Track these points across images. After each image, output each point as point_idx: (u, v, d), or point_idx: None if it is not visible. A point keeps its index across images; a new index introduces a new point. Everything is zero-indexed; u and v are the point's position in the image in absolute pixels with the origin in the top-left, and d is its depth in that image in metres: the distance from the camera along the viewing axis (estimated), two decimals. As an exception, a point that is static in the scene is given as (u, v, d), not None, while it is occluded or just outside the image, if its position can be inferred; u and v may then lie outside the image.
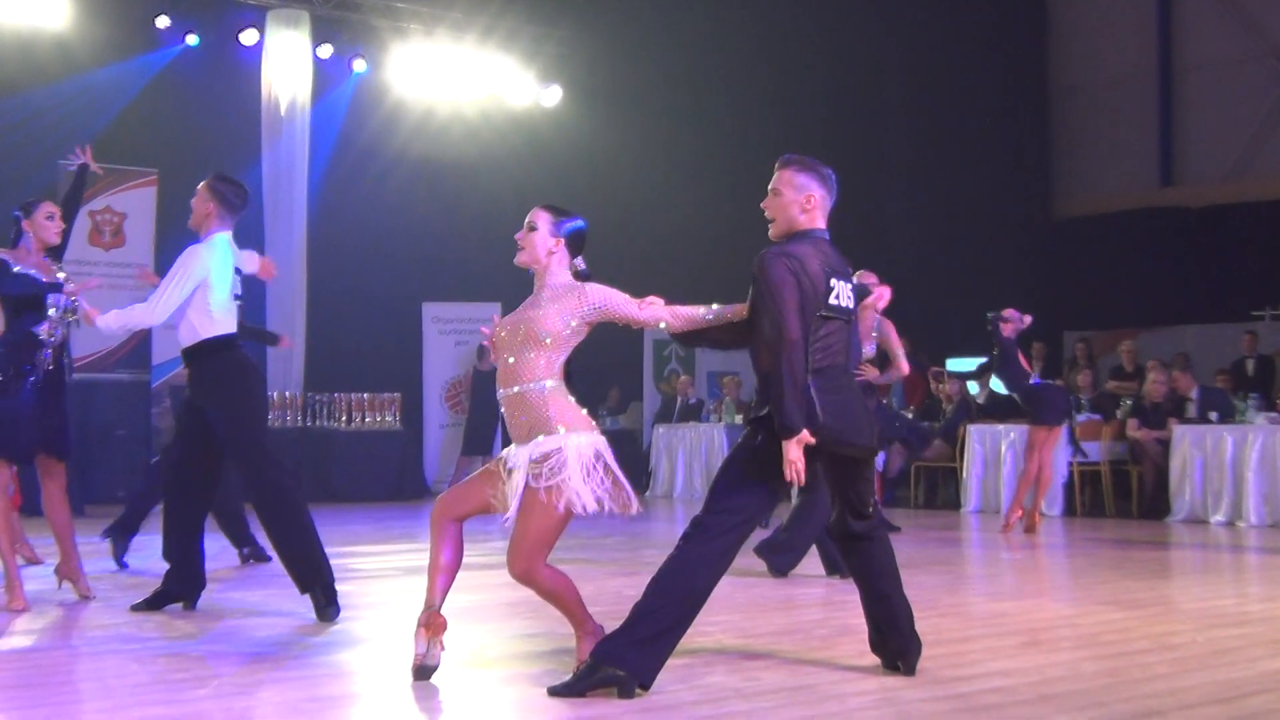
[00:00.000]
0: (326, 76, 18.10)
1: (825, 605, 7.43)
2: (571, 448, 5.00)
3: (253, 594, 7.70)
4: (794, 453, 4.89)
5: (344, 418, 16.51)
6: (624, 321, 5.29)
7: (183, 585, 7.16)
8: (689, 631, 5.38)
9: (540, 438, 5.02)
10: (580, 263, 5.33)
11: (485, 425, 17.57)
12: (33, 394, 7.23)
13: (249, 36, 17.29)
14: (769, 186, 5.36)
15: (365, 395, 16.58)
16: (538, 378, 5.09)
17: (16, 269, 7.32)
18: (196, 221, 7.25)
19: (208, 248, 7.11)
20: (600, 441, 5.11)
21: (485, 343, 5.39)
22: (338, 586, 6.82)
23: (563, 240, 5.25)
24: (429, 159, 18.53)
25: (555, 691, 4.82)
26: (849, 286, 5.32)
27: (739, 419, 17.60)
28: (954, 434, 14.96)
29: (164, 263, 16.89)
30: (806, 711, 4.63)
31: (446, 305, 17.84)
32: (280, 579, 7.25)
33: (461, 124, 18.91)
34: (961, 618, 6.97)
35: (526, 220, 5.28)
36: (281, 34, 17.49)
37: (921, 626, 6.54)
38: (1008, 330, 11.65)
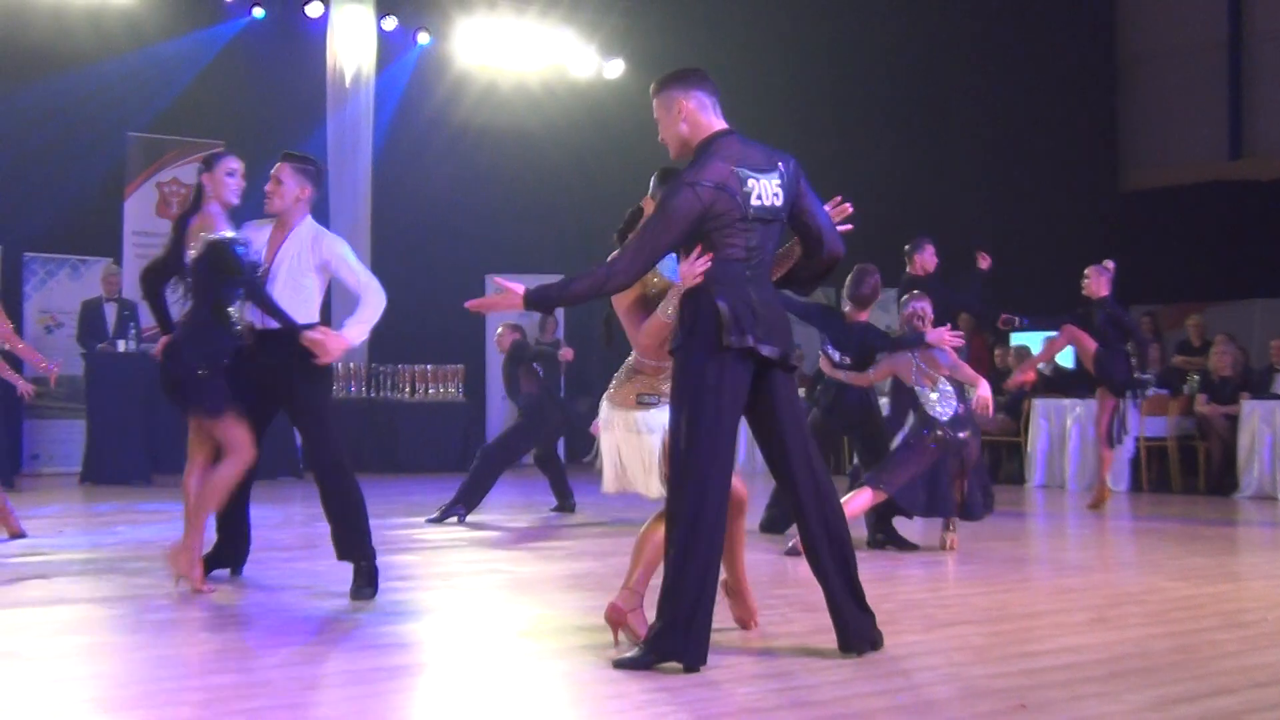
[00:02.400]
0: (391, 49, 18.13)
1: (888, 580, 7.39)
2: None
3: (318, 564, 7.73)
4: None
5: (408, 389, 16.57)
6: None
7: (231, 551, 7.21)
8: (755, 605, 5.38)
9: None
10: None
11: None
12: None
13: (314, 9, 17.32)
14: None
15: (429, 367, 16.64)
16: None
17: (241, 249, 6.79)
18: (285, 204, 6.92)
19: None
20: None
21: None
22: (405, 557, 6.84)
23: None
24: (492, 131, 18.52)
25: (621, 664, 4.82)
26: (774, 181, 5.12)
27: (801, 392, 17.56)
28: (1017, 408, 14.84)
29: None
30: (873, 686, 4.60)
31: (510, 277, 17.82)
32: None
33: (524, 96, 18.89)
34: (1028, 593, 6.91)
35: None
36: (346, 6, 17.52)
37: (987, 602, 6.54)
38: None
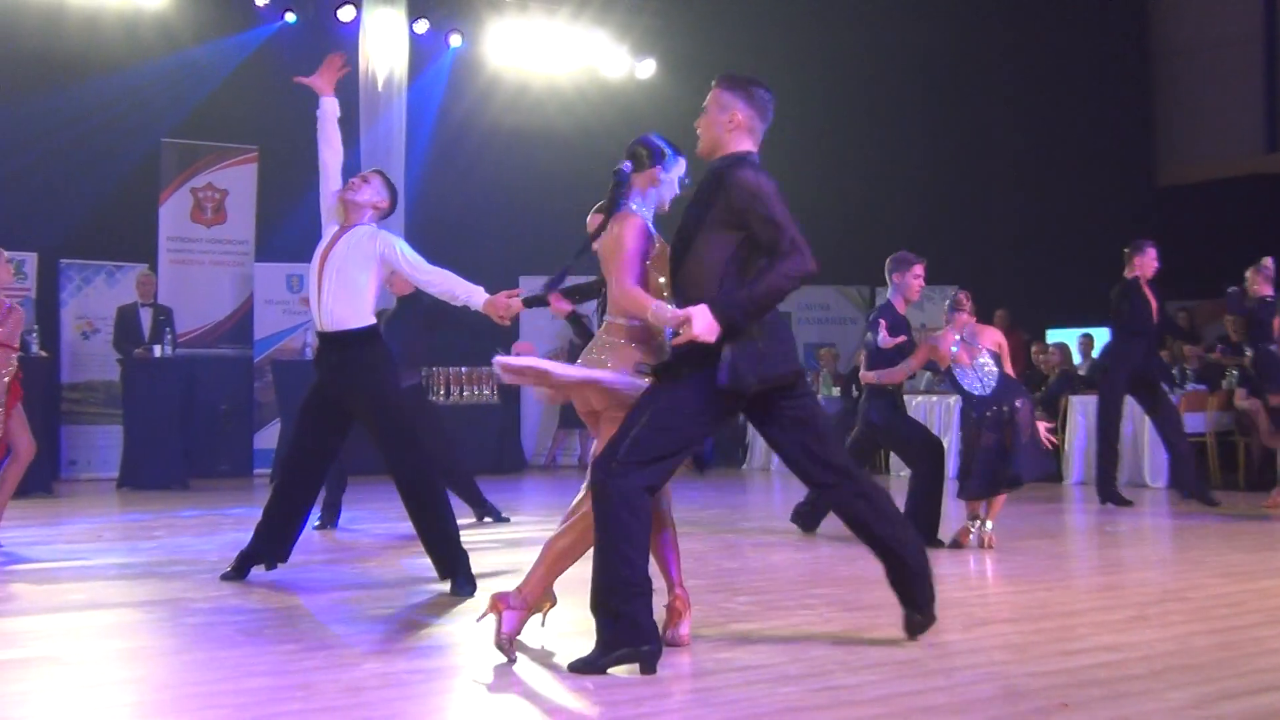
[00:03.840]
0: (423, 52, 18.15)
1: (928, 578, 7.35)
2: None
3: (355, 567, 7.74)
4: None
5: (442, 392, 16.59)
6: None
7: (268, 547, 7.25)
8: (791, 604, 5.36)
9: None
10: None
11: (583, 398, 17.60)
12: None
13: (346, 13, 17.36)
14: (704, 103, 5.22)
15: (464, 369, 16.65)
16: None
17: None
18: (361, 200, 7.10)
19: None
20: None
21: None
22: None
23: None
24: (525, 132, 18.52)
25: (576, 667, 4.79)
26: None
27: (835, 391, 17.51)
28: (1055, 405, 14.75)
29: (264, 239, 17.19)
30: (913, 685, 4.57)
31: (544, 278, 17.81)
32: (387, 552, 7.29)
33: (556, 97, 18.90)
34: (1068, 591, 6.86)
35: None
36: (379, 10, 17.55)
37: (1027, 600, 6.49)
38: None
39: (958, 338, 8.64)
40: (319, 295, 6.97)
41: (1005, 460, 8.41)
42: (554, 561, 5.24)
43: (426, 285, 7.00)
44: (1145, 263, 11.37)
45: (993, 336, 8.74)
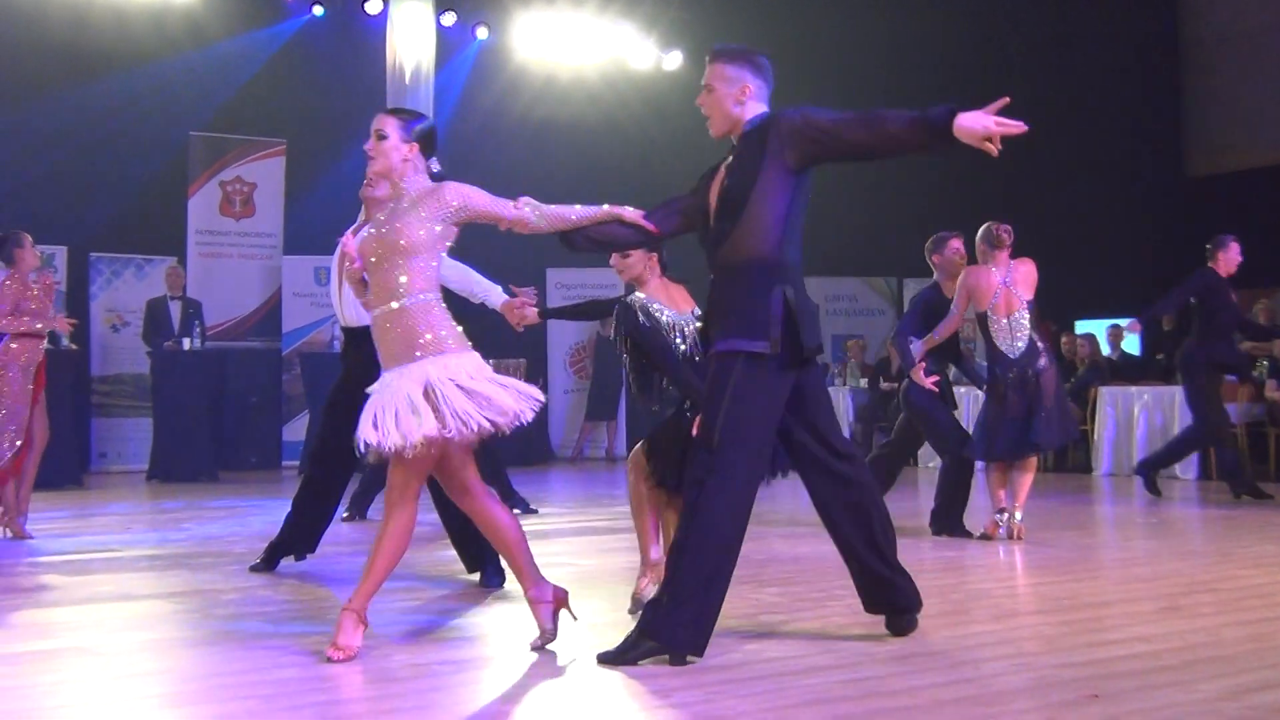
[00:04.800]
0: (450, 44, 18.16)
1: (956, 570, 7.33)
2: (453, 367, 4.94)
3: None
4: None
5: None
6: (489, 220, 5.14)
7: (298, 537, 7.30)
8: (821, 595, 5.34)
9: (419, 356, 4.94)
10: (435, 164, 5.15)
11: (610, 390, 17.63)
12: None
13: (374, 6, 17.37)
14: (702, 83, 5.13)
15: (491, 361, 16.54)
16: (415, 290, 4.98)
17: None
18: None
19: None
20: (477, 359, 5.07)
21: (354, 266, 5.09)
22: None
23: (415, 145, 5.07)
24: (552, 124, 18.51)
25: (605, 659, 4.77)
26: None
27: (863, 382, 17.48)
28: (1084, 395, 14.69)
29: (292, 232, 17.24)
30: (942, 677, 4.55)
31: (570, 271, 17.81)
32: (416, 543, 7.27)
33: (583, 89, 18.88)
34: (1097, 582, 6.82)
35: (374, 130, 5.07)
36: (405, 3, 17.54)
37: (1056, 591, 6.46)
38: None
39: (1002, 281, 8.54)
40: (340, 291, 7.00)
41: (1028, 425, 8.39)
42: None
43: (444, 280, 6.95)
44: (1229, 258, 11.27)
45: (1029, 277, 8.63)
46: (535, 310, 6.57)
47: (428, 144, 5.14)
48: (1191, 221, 18.57)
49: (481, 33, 18.25)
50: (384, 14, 17.43)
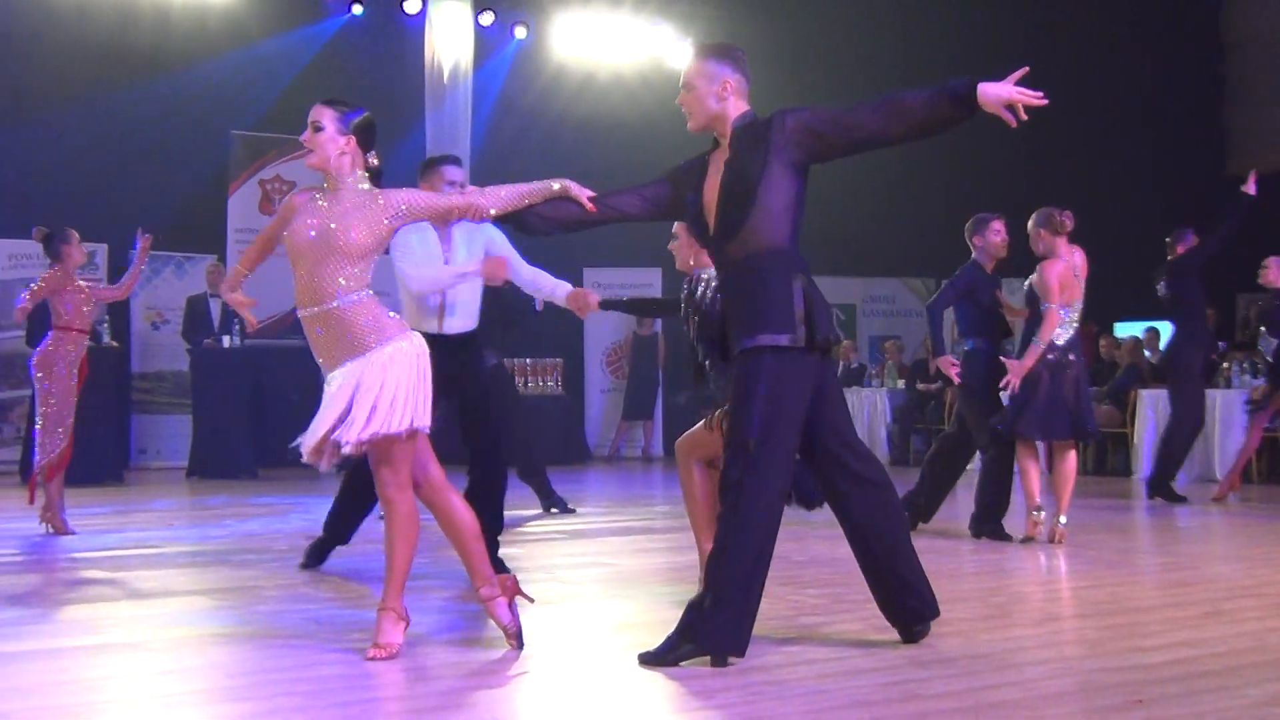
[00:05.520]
0: (488, 43, 18.20)
1: (997, 573, 7.30)
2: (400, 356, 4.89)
3: (420, 558, 7.75)
4: None
5: (508, 383, 16.64)
6: (438, 215, 5.13)
7: (341, 530, 7.31)
8: (861, 598, 5.32)
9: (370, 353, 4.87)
10: (374, 158, 5.08)
11: (646, 390, 17.63)
12: None
13: (412, 5, 17.44)
14: (681, 82, 5.14)
15: (528, 361, 16.69)
16: (351, 290, 4.90)
17: None
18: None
19: None
20: (422, 345, 4.98)
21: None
22: (508, 550, 6.87)
23: (353, 137, 4.99)
24: (589, 123, 18.52)
25: (645, 660, 4.76)
26: None
27: (900, 383, 17.43)
28: (1123, 398, 14.61)
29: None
30: (984, 681, 4.53)
31: (607, 270, 17.81)
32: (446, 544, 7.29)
33: (620, 88, 18.88)
34: (1139, 586, 6.78)
35: (310, 120, 4.97)
36: (445, 3, 17.61)
37: (1098, 596, 6.43)
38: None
39: (1075, 274, 8.58)
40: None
41: (1055, 412, 8.40)
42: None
43: (517, 279, 6.99)
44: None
45: (1085, 265, 8.68)
46: (597, 299, 6.61)
47: (366, 137, 5.04)
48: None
49: (520, 32, 18.29)
50: (423, 13, 17.50)
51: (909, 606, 5.14)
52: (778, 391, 4.81)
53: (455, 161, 6.93)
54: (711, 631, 4.70)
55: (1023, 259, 9.23)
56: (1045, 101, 4.60)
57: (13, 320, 14.83)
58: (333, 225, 4.91)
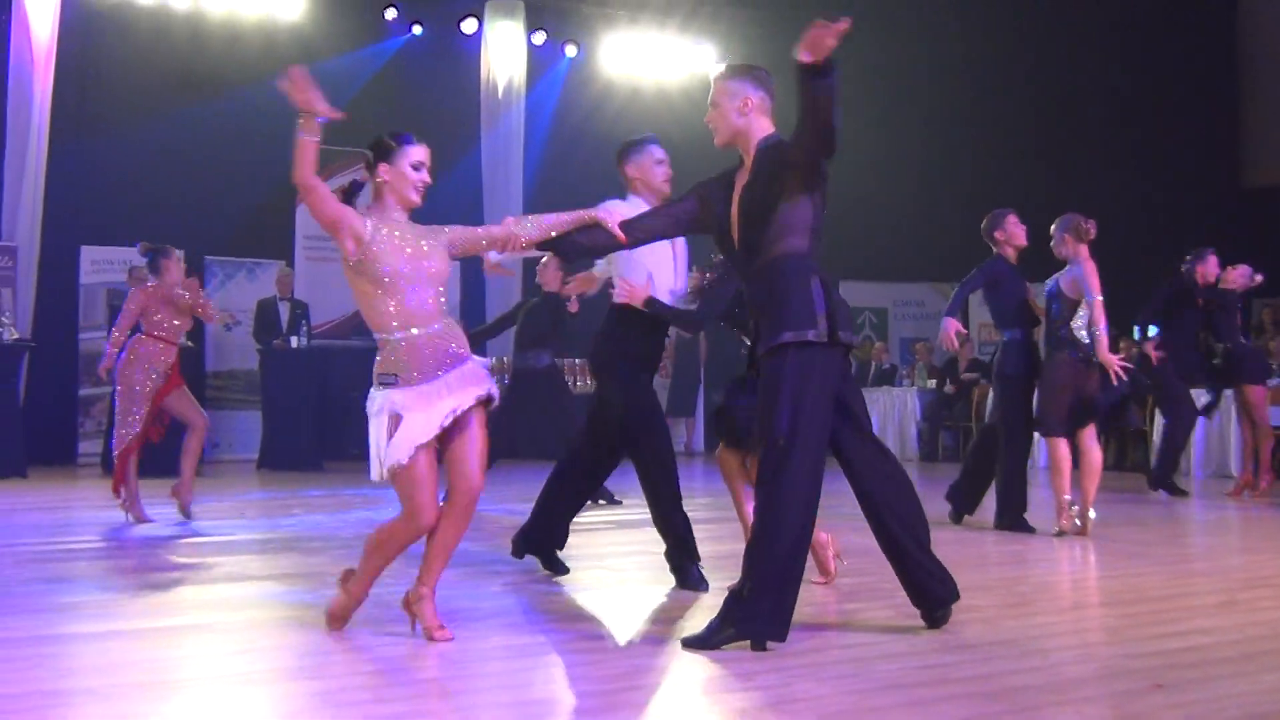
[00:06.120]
0: (540, 61, 18.26)
1: (1021, 563, 7.27)
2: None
3: (477, 545, 7.77)
4: None
5: (559, 381, 16.65)
6: (478, 246, 5.19)
7: (546, 538, 6.70)
8: (894, 586, 5.30)
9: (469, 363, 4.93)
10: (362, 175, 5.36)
11: (688, 387, 17.64)
12: None
13: (469, 25, 17.55)
14: (709, 100, 5.14)
15: (576, 360, 16.70)
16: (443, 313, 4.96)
17: None
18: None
19: None
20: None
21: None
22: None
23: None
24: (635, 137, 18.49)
25: (688, 643, 4.75)
26: None
27: (931, 383, 17.37)
28: (1142, 398, 14.50)
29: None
30: (1011, 665, 4.51)
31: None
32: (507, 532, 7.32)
33: (666, 105, 18.88)
34: (1158, 577, 6.73)
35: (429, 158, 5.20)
36: (499, 23, 17.69)
37: (1118, 585, 6.40)
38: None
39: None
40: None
41: (1083, 405, 8.39)
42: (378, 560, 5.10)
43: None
44: (1208, 270, 11.48)
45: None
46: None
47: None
48: (1248, 231, 18.30)
49: (570, 50, 18.34)
50: (479, 33, 17.60)
51: (932, 590, 5.13)
52: (803, 388, 4.79)
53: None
54: (752, 618, 4.70)
55: (1041, 261, 9.20)
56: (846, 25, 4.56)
57: (94, 322, 15.09)
58: (425, 249, 4.98)
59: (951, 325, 8.53)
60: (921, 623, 5.16)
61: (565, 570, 6.59)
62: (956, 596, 5.17)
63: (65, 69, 15.16)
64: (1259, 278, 11.50)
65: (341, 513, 9.85)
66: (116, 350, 9.21)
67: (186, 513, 9.17)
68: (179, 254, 9.41)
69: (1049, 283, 8.82)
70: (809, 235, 4.92)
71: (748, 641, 4.68)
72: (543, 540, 6.61)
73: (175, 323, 9.26)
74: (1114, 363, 8.27)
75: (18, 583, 6.32)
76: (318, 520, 9.33)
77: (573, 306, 8.85)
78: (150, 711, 3.88)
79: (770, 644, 4.69)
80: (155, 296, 9.18)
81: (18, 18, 14.73)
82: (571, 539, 6.78)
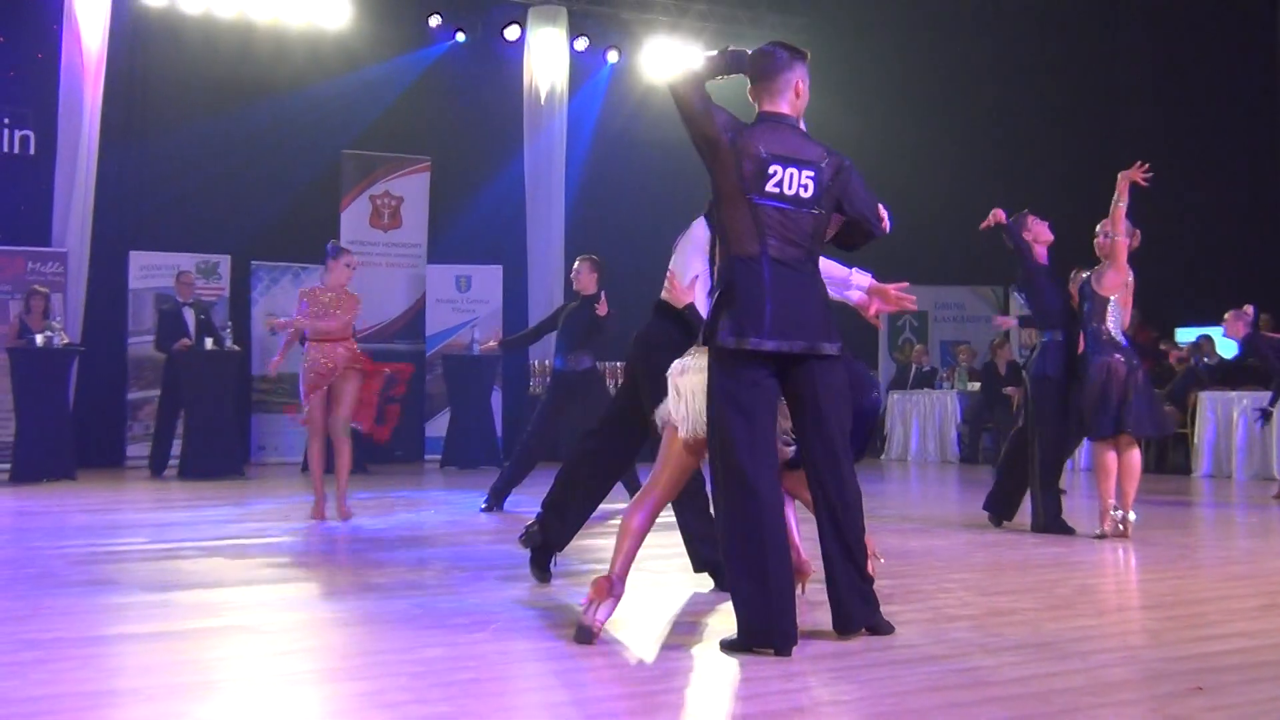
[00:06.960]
0: (583, 67, 18.26)
1: (1061, 565, 7.20)
2: None
3: (503, 546, 7.77)
4: None
5: (603, 386, 16.66)
6: None
7: (558, 535, 6.64)
8: (930, 588, 5.26)
9: None
10: None
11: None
12: None
13: (512, 32, 17.56)
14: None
15: (618, 364, 16.68)
16: None
17: None
18: None
19: None
20: None
21: None
22: (601, 540, 6.83)
23: None
24: (679, 144, 18.43)
25: (726, 645, 4.69)
26: (803, 174, 5.09)
27: (970, 385, 17.27)
28: (1183, 399, 14.39)
29: (436, 242, 17.49)
30: (1051, 668, 4.47)
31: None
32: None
33: (706, 110, 18.84)
34: (1199, 580, 6.66)
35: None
36: (542, 29, 17.70)
37: (1159, 588, 6.33)
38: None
39: (1128, 280, 8.52)
40: None
41: (1124, 410, 8.31)
42: (632, 543, 5.16)
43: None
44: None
45: (1133, 283, 8.64)
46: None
47: None
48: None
49: (612, 56, 18.34)
50: (521, 39, 17.61)
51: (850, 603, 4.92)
52: (715, 394, 4.85)
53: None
54: (747, 627, 4.67)
55: (1074, 256, 9.16)
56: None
57: (142, 327, 15.18)
58: None
59: (1003, 321, 8.58)
60: (957, 625, 5.12)
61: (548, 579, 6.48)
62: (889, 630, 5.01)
63: (115, 78, 15.27)
64: None
65: (383, 515, 9.87)
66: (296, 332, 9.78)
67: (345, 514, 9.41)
68: (348, 255, 9.73)
69: (1081, 282, 8.77)
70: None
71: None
72: (549, 540, 6.52)
73: (337, 312, 9.59)
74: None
75: (67, 584, 6.35)
76: (360, 523, 9.34)
77: (601, 309, 8.88)
78: (193, 712, 3.88)
79: (784, 650, 4.61)
80: (311, 293, 9.62)
81: (69, 28, 14.85)
82: (610, 540, 6.75)
